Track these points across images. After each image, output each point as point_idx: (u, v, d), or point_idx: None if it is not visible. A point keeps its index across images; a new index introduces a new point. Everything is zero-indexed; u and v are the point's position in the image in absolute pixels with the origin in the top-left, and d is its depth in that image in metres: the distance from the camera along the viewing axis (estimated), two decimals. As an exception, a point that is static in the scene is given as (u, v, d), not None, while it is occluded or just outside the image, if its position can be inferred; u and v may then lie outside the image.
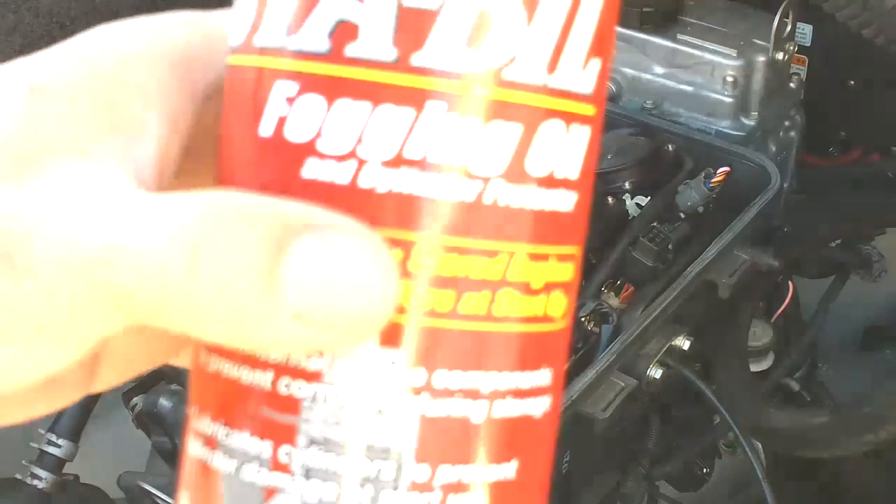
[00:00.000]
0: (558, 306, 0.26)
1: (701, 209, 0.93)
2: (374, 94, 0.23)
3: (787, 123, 1.11)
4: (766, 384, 1.06)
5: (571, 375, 0.78)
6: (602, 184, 0.93)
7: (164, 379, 0.94)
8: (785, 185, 1.06)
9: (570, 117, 0.24)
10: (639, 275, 0.87)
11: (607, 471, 0.93)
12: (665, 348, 0.83)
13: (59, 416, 1.01)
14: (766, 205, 0.91)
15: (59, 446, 1.00)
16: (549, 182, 0.24)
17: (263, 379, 0.24)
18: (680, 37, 1.07)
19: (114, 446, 1.12)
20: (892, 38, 0.84)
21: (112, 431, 1.11)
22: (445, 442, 0.24)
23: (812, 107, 1.13)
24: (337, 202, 0.23)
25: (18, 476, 1.00)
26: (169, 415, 0.98)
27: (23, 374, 0.25)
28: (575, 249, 0.26)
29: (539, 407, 0.26)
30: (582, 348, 0.83)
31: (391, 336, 0.23)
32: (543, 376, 0.26)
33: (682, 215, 0.93)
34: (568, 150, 0.25)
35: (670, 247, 0.88)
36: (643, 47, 1.08)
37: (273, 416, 0.24)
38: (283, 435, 0.24)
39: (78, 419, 1.01)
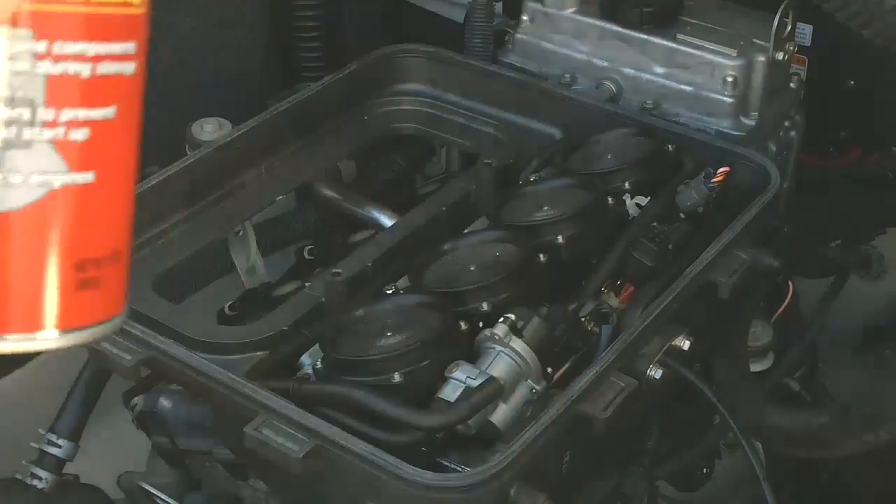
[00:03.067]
0: None
1: (701, 209, 0.93)
2: None
3: (787, 123, 1.11)
4: (766, 384, 1.06)
5: (571, 375, 0.78)
6: (602, 184, 0.93)
7: (164, 379, 0.93)
8: (785, 185, 1.06)
9: None
10: (639, 275, 0.87)
11: (607, 471, 0.93)
12: (665, 348, 0.82)
13: (59, 416, 1.01)
14: (766, 205, 0.91)
15: (59, 446, 1.00)
16: None
17: None
18: (680, 37, 1.07)
19: (114, 446, 1.12)
20: (892, 38, 0.84)
21: (112, 431, 1.11)
22: (65, 93, 0.38)
23: (812, 107, 1.12)
24: None
25: (18, 476, 1.00)
26: (169, 415, 0.98)
27: None
28: None
29: (129, 68, 0.40)
30: (582, 348, 0.83)
31: (21, 19, 0.36)
32: (130, 47, 0.39)
33: (682, 215, 0.93)
34: None
35: (670, 247, 0.88)
36: (643, 47, 1.08)
37: None
38: None
39: (78, 419, 1.01)
